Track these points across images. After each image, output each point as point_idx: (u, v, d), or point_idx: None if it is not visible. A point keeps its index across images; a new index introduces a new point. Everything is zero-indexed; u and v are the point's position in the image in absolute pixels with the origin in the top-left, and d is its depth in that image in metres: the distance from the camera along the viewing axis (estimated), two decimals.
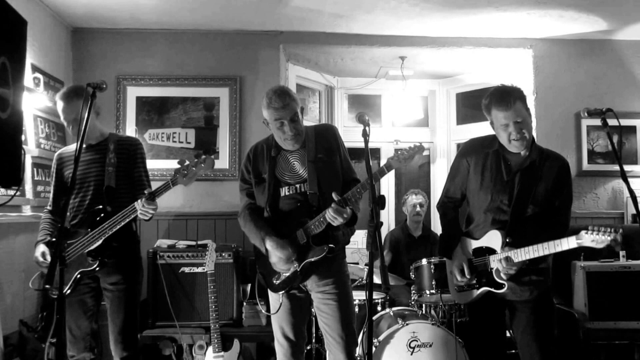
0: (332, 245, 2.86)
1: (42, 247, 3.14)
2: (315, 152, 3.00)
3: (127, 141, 3.32)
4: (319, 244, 2.87)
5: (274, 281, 2.99)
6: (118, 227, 2.99)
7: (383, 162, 6.37)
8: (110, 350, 3.23)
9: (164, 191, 2.92)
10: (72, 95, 3.13)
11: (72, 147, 3.30)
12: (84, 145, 3.17)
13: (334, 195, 2.75)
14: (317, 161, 2.98)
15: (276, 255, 2.91)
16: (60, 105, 3.14)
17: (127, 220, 3.00)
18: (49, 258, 3.07)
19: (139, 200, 2.93)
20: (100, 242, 3.01)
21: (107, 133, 3.32)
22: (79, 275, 3.05)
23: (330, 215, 2.74)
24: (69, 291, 3.05)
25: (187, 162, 2.85)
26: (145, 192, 2.95)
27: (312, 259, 2.87)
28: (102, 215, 3.05)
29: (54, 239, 3.17)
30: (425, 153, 6.61)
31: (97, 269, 3.03)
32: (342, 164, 3.06)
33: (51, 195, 3.38)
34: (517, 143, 2.83)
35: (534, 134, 5.11)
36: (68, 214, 3.21)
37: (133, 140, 3.38)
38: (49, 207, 3.38)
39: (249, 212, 3.10)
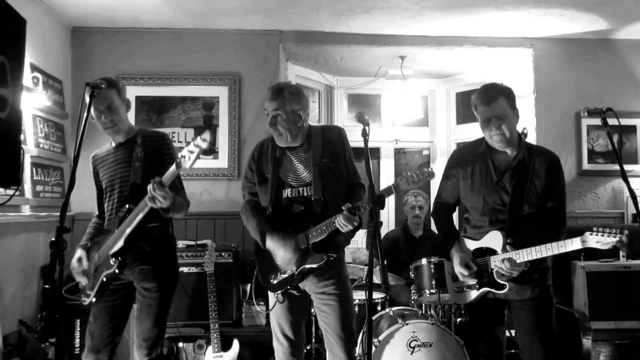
0: (332, 255, 2.87)
1: (79, 252, 3.08)
2: (321, 156, 2.99)
3: (153, 135, 3.19)
4: (319, 251, 2.86)
5: (272, 280, 2.99)
6: (135, 222, 2.88)
7: (382, 162, 6.43)
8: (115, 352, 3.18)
9: (171, 177, 2.80)
10: (99, 85, 2.96)
11: (104, 148, 3.24)
12: (113, 145, 3.16)
13: (344, 208, 2.74)
14: (322, 165, 2.97)
15: (280, 256, 2.93)
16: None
17: (142, 214, 2.87)
18: (85, 263, 3.04)
19: (148, 187, 2.77)
20: (121, 242, 2.92)
21: (136, 129, 3.21)
22: (104, 279, 2.97)
23: (341, 223, 2.73)
24: (94, 299, 3.00)
25: (191, 145, 2.67)
26: (156, 178, 2.79)
27: (310, 266, 2.87)
28: (127, 214, 2.96)
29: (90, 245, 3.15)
30: (425, 153, 6.63)
31: (117, 271, 2.93)
32: (347, 167, 3.06)
33: (96, 200, 3.28)
34: (497, 138, 2.87)
35: (534, 133, 5.14)
36: (106, 218, 3.15)
37: (160, 135, 3.23)
38: (96, 213, 3.29)
39: (250, 207, 3.11)
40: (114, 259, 2.93)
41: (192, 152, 2.69)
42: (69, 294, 3.07)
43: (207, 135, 2.67)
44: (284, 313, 3.02)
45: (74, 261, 3.05)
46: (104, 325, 3.05)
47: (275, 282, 2.98)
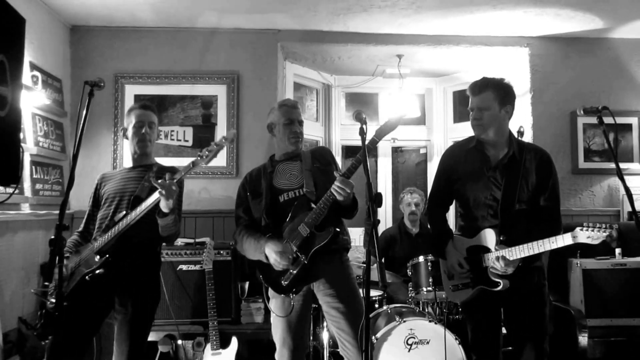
0: (337, 230, 2.92)
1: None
2: (312, 163, 3.13)
3: (170, 170, 3.24)
4: (322, 229, 2.92)
5: (283, 282, 2.98)
6: (133, 221, 2.94)
7: (380, 160, 6.45)
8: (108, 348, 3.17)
9: (186, 172, 2.92)
10: (148, 106, 3.35)
11: (117, 170, 3.42)
12: (131, 166, 3.31)
13: (336, 173, 2.84)
14: (313, 169, 3.10)
15: (274, 251, 2.94)
16: (136, 112, 3.27)
17: (141, 214, 2.93)
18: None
19: (161, 180, 2.85)
20: (111, 240, 2.96)
21: (154, 160, 3.39)
22: (87, 278, 2.97)
23: (337, 186, 2.79)
24: (63, 297, 2.92)
25: (212, 145, 2.86)
26: (168, 172, 2.93)
27: (319, 245, 2.91)
28: (121, 218, 3.00)
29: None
30: (422, 151, 6.65)
31: (99, 271, 2.94)
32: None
33: (85, 217, 3.31)
34: (473, 122, 2.95)
35: (530, 132, 5.16)
36: (97, 227, 3.18)
37: (175, 169, 3.28)
38: (80, 229, 3.31)
39: (245, 229, 3.15)
40: (98, 257, 2.96)
41: (211, 151, 2.83)
42: (42, 296, 3.06)
43: (230, 134, 2.85)
44: (287, 324, 3.03)
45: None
46: (72, 335, 2.97)
47: (287, 282, 2.97)
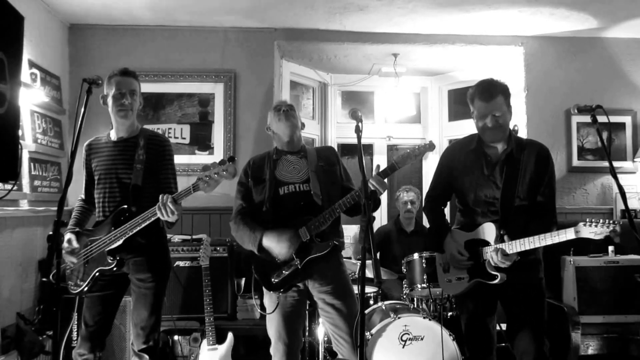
0: (336, 242, 2.93)
1: (68, 235, 3.11)
2: (317, 162, 3.12)
3: (156, 139, 3.26)
4: (323, 239, 2.93)
5: (273, 280, 3.00)
6: (138, 228, 2.95)
7: (375, 158, 6.47)
8: (111, 345, 3.22)
9: (185, 196, 2.88)
10: (128, 72, 3.23)
11: (102, 139, 3.29)
12: (114, 138, 3.22)
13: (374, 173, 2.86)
14: (318, 169, 3.09)
15: (277, 250, 2.95)
16: (116, 79, 3.17)
17: (148, 222, 2.94)
18: (75, 244, 3.06)
19: (161, 196, 2.87)
20: (120, 242, 2.97)
21: (139, 128, 3.29)
22: (97, 274, 3.03)
23: (372, 185, 2.81)
24: (86, 288, 3.05)
25: (210, 169, 2.79)
26: (167, 197, 2.89)
27: (315, 255, 2.92)
28: (127, 215, 3.01)
29: (78, 229, 3.19)
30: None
31: (115, 269, 3.00)
32: (341, 174, 3.17)
33: (83, 184, 3.32)
34: (490, 132, 2.92)
35: (525, 130, 5.19)
36: (96, 208, 3.20)
37: (163, 139, 3.31)
38: (82, 196, 3.34)
39: (242, 216, 3.15)
40: (111, 258, 2.99)
41: (212, 179, 2.77)
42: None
43: (232, 168, 2.75)
44: (282, 319, 3.05)
45: (65, 243, 3.07)
46: (97, 315, 3.11)
47: (277, 280, 2.99)
